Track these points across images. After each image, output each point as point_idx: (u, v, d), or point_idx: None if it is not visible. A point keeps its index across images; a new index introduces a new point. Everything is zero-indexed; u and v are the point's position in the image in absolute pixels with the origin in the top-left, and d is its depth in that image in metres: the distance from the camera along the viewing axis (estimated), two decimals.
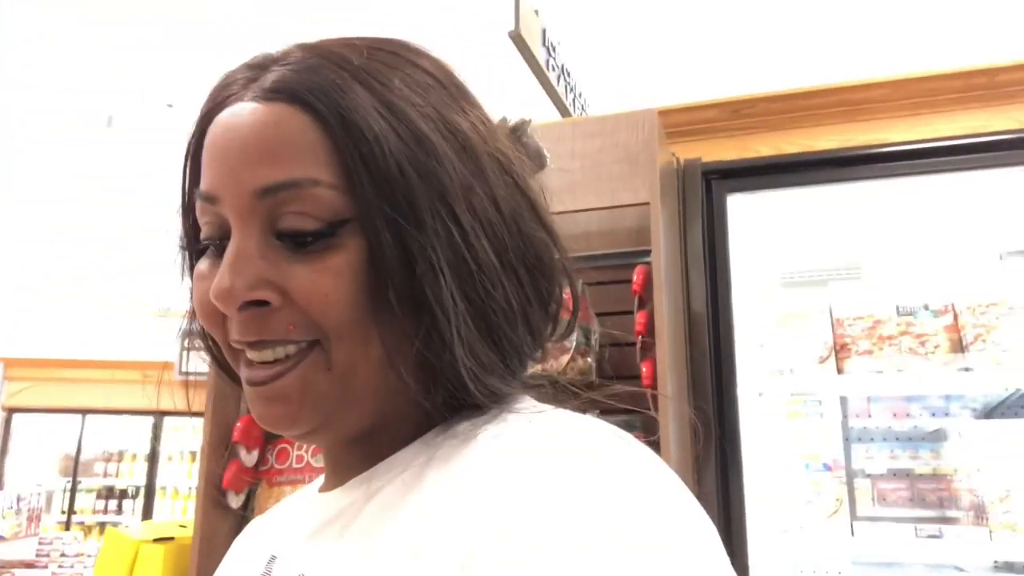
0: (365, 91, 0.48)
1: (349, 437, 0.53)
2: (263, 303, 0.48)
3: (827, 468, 2.04)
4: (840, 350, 2.06)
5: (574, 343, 1.70)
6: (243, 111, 0.48)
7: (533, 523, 0.39)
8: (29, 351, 7.03)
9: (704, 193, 1.95)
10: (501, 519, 0.40)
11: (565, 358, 1.69)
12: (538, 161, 0.62)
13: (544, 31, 2.66)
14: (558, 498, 0.39)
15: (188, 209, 0.55)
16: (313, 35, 0.56)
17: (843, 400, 2.23)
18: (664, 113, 2.01)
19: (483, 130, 0.54)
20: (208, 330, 0.52)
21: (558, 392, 0.59)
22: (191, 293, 0.57)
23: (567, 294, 0.59)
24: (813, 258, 2.47)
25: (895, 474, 2.11)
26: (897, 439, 2.18)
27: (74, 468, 7.15)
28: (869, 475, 2.13)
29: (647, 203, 1.64)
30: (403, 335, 0.49)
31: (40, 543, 4.59)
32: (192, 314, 0.58)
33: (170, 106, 7.85)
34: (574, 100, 2.90)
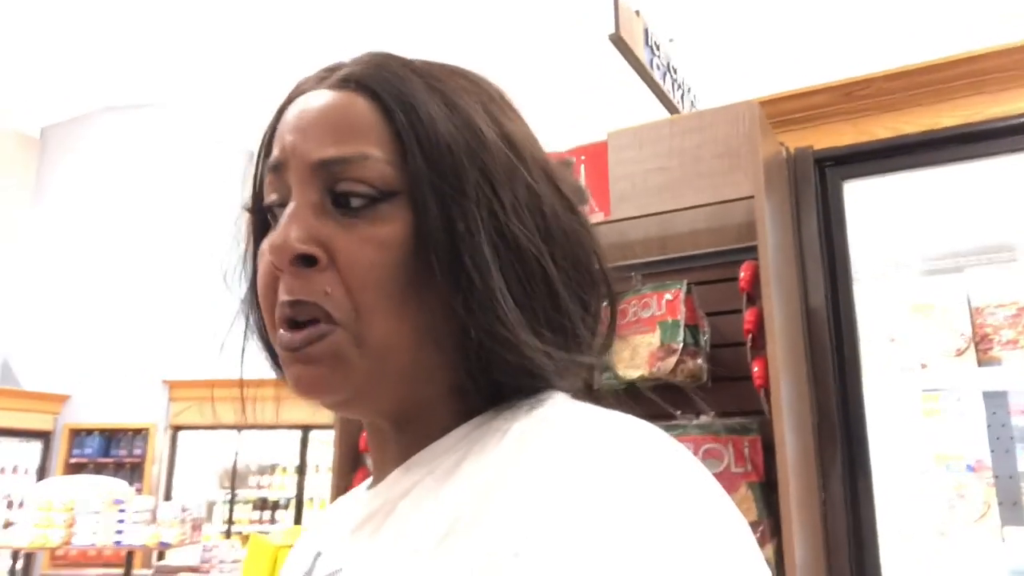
0: (423, 83, 0.54)
1: (387, 415, 0.55)
2: (312, 261, 0.50)
3: (971, 469, 1.89)
4: (980, 341, 1.90)
5: (681, 344, 1.66)
6: (315, 96, 0.54)
7: (557, 535, 0.39)
8: (190, 373, 7.61)
9: (818, 182, 1.86)
10: (525, 529, 0.41)
11: (672, 359, 1.65)
12: (579, 196, 0.64)
13: (647, 31, 2.62)
14: (584, 511, 0.40)
15: (258, 199, 0.59)
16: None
17: (991, 395, 2.05)
18: (771, 102, 1.93)
19: (530, 139, 0.57)
20: (264, 305, 0.54)
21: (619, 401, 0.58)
22: (251, 279, 0.60)
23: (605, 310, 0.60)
24: (948, 243, 2.29)
25: None
26: None
27: (232, 481, 7.67)
28: None
29: (751, 197, 1.59)
30: (438, 316, 0.51)
31: (203, 550, 4.98)
32: (247, 304, 0.61)
33: None
34: (682, 96, 2.85)
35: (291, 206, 0.52)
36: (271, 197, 0.55)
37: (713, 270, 1.81)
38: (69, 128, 8.84)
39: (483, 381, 0.53)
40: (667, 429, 1.76)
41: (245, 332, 0.62)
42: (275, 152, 0.54)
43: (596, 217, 1.78)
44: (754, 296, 1.62)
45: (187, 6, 6.73)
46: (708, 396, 1.76)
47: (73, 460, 7.68)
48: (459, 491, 0.47)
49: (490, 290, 0.49)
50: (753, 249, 1.60)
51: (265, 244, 0.53)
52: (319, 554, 0.58)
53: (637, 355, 1.74)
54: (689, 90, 2.92)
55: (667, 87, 2.74)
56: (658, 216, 1.79)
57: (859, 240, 1.85)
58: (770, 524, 1.55)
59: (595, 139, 1.81)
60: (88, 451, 7.67)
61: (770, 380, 1.51)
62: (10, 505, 4.57)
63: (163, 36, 7.22)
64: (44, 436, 7.78)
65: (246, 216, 0.60)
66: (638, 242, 1.90)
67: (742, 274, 1.63)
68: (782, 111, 1.95)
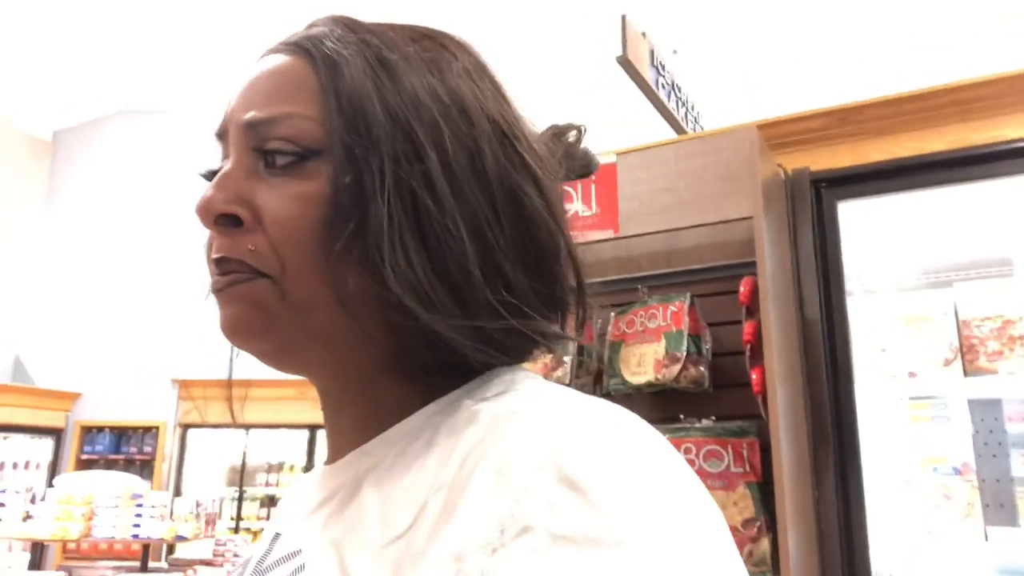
0: (360, 43, 0.52)
1: (329, 379, 0.55)
2: (237, 221, 0.50)
3: (957, 472, 2.01)
4: (967, 352, 2.02)
5: (684, 352, 1.78)
6: (259, 62, 0.55)
7: (533, 529, 0.39)
8: (199, 373, 7.74)
9: (814, 202, 1.98)
10: (501, 524, 0.39)
11: (676, 367, 1.78)
12: (583, 162, 0.64)
13: (652, 51, 2.75)
14: (561, 503, 0.39)
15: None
16: None
17: (976, 403, 2.17)
18: (770, 125, 2.06)
19: (489, 100, 0.54)
20: (207, 269, 0.54)
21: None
22: None
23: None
24: (938, 259, 2.42)
25: None
26: None
27: (240, 478, 7.80)
28: None
29: (751, 217, 1.71)
30: (359, 277, 0.49)
31: (216, 544, 5.12)
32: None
33: None
34: (686, 114, 2.97)
35: (223, 168, 0.52)
36: (220, 164, 0.54)
37: (715, 284, 1.94)
38: (82, 132, 8.98)
39: (420, 353, 0.51)
40: (671, 432, 1.88)
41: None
42: (221, 121, 0.55)
43: (606, 234, 1.90)
44: (753, 309, 1.74)
45: (201, 11, 6.86)
46: (709, 401, 1.88)
47: (84, 456, 7.83)
48: (428, 478, 0.46)
49: (389, 251, 0.48)
50: (752, 265, 1.72)
51: None
52: (278, 535, 0.56)
53: (644, 362, 1.86)
54: (693, 107, 3.04)
55: (671, 105, 2.87)
56: (664, 233, 1.92)
57: (853, 256, 1.97)
58: (766, 520, 1.67)
59: (605, 161, 1.93)
60: (99, 448, 7.82)
61: (767, 387, 1.63)
62: (27, 499, 4.71)
63: (177, 41, 7.35)
64: (56, 433, 7.93)
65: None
66: (645, 257, 2.02)
67: (742, 288, 1.75)
68: (780, 134, 2.07)
